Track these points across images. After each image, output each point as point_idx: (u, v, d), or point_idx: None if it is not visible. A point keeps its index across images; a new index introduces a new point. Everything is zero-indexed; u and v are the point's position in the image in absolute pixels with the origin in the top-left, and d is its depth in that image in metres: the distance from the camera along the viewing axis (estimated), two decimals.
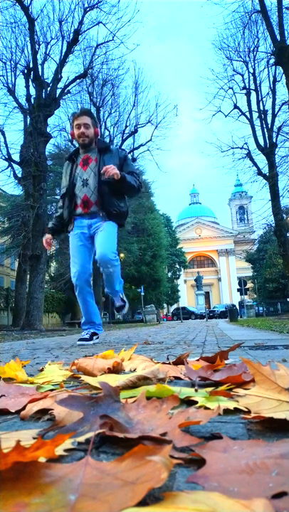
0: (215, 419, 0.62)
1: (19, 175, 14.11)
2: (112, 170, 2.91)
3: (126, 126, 17.74)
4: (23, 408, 0.69)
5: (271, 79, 15.20)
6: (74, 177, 3.18)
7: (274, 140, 14.74)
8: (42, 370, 1.17)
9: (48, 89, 12.57)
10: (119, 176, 2.94)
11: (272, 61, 13.55)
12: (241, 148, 16.22)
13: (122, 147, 17.07)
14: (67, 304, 26.84)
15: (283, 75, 11.49)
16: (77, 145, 3.32)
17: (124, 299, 3.38)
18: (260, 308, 30.88)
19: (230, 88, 16.58)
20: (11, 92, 13.36)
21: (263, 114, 15.36)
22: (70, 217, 3.19)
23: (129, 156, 3.59)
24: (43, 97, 12.33)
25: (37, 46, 12.67)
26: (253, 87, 15.95)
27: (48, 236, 3.37)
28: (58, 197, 22.50)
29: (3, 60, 13.44)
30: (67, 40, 12.87)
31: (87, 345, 2.90)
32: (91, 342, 3.02)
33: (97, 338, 3.21)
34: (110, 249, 3.03)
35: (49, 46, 13.36)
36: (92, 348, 2.51)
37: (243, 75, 16.25)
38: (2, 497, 0.31)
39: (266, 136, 15.02)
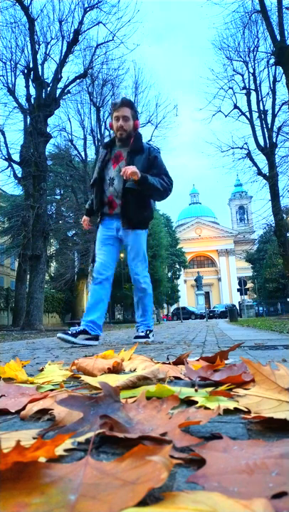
0: (215, 419, 0.62)
1: (19, 175, 14.12)
2: (129, 169, 2.80)
3: None
4: (23, 408, 0.69)
5: (271, 79, 15.22)
6: (104, 170, 3.12)
7: (274, 140, 14.74)
8: (42, 370, 1.17)
9: (48, 89, 12.58)
10: (139, 177, 2.83)
11: (272, 61, 13.56)
12: (241, 148, 16.23)
13: None
14: (67, 303, 26.85)
15: (283, 75, 11.49)
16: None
17: (150, 334, 3.17)
18: (260, 309, 30.87)
19: (230, 88, 16.60)
20: (11, 92, 13.37)
21: (263, 114, 15.36)
22: (98, 211, 3.19)
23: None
24: (43, 97, 12.34)
25: (37, 46, 12.68)
26: (253, 87, 15.96)
27: (85, 218, 3.42)
28: (58, 197, 22.55)
29: (3, 60, 13.47)
30: (67, 40, 12.88)
31: (68, 341, 2.80)
32: (73, 339, 2.82)
33: (88, 339, 2.89)
34: (142, 270, 3.14)
35: (49, 46, 13.40)
36: (92, 348, 2.51)
37: (243, 75, 16.27)
38: (2, 497, 0.31)
39: (266, 136, 15.02)
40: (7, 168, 13.77)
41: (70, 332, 2.87)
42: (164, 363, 1.13)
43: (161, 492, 0.34)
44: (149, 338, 3.10)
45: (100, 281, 3.04)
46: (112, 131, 3.18)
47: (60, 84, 12.99)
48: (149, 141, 3.32)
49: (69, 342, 2.83)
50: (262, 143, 15.01)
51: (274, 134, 14.82)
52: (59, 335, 2.88)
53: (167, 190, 3.07)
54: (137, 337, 3.12)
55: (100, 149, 3.29)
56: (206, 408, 0.63)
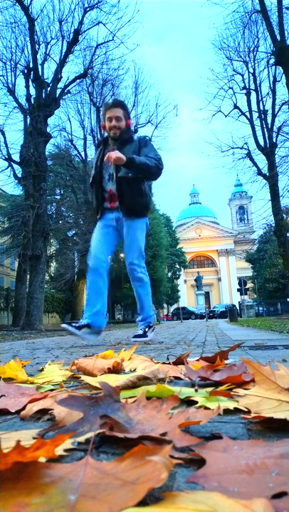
0: (215, 419, 0.62)
1: (19, 175, 14.13)
2: (113, 154, 2.76)
3: None
4: (23, 408, 0.69)
5: (271, 79, 15.24)
6: (102, 168, 3.15)
7: (274, 140, 14.75)
8: (42, 370, 1.17)
9: (48, 89, 12.59)
10: (124, 160, 2.78)
11: (272, 61, 13.56)
12: (241, 148, 16.23)
13: None
14: (67, 303, 26.85)
15: (283, 75, 11.49)
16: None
17: (149, 331, 3.09)
18: (260, 309, 30.86)
19: (230, 88, 16.61)
20: (11, 92, 13.37)
21: (263, 114, 15.36)
22: (98, 209, 3.21)
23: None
24: (43, 97, 12.34)
25: (37, 46, 12.68)
26: (253, 87, 15.97)
27: None
28: (58, 197, 22.56)
29: (3, 60, 13.48)
30: (67, 40, 12.89)
31: (72, 332, 2.80)
32: (77, 332, 2.82)
33: (92, 333, 2.92)
34: (138, 258, 3.07)
35: (49, 46, 13.41)
36: (92, 348, 2.51)
37: (243, 75, 16.28)
38: (2, 497, 0.31)
39: (266, 136, 15.03)
40: (7, 168, 13.79)
41: (75, 325, 2.84)
42: (164, 363, 1.13)
43: (161, 492, 0.34)
44: (146, 337, 3.02)
45: (95, 268, 2.98)
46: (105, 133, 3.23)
47: (60, 84, 13.01)
48: None
49: (73, 334, 2.83)
50: (262, 143, 15.01)
51: (274, 134, 14.82)
52: (64, 325, 2.88)
53: (158, 165, 2.99)
54: (135, 336, 3.04)
55: (97, 151, 3.33)
56: (206, 408, 0.63)
